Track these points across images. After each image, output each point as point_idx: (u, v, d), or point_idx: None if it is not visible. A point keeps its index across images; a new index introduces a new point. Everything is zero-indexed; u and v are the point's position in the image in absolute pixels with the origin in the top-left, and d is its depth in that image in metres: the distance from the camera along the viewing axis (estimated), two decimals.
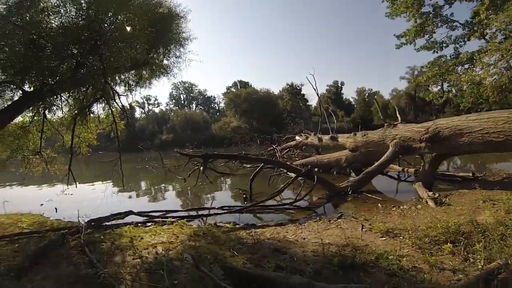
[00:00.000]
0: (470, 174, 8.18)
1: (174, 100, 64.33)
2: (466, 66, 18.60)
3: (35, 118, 7.59)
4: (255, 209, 6.67)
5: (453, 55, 19.96)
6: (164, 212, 6.49)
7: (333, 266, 3.27)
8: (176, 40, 7.62)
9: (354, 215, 5.66)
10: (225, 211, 6.53)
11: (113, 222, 5.54)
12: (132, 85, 8.00)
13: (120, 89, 7.76)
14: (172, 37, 7.49)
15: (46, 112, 7.55)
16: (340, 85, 50.74)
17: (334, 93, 50.20)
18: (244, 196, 8.14)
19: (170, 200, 9.37)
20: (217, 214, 6.40)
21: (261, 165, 9.09)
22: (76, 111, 6.92)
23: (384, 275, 3.05)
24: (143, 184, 13.68)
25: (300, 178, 8.29)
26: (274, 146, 17.02)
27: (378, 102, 18.67)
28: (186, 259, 3.67)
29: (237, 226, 5.62)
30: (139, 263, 3.63)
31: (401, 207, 6.12)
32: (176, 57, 7.87)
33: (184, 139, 31.94)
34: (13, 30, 5.24)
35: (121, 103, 7.19)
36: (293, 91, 48.28)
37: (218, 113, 59.30)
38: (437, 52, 21.36)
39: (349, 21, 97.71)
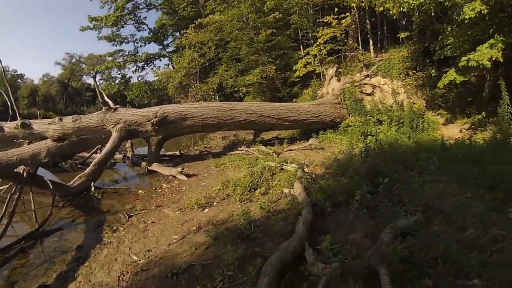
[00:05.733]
0: (177, 153, 10.03)
1: None
2: (140, 64, 22.02)
3: None
4: None
5: (131, 52, 22.34)
6: None
7: None
8: None
9: (132, 213, 5.04)
10: None
11: None
12: None
13: None
14: None
15: None
16: None
17: None
18: None
19: None
20: None
21: None
22: None
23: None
24: None
25: None
26: None
27: (97, 85, 15.15)
28: None
29: None
30: None
31: (163, 187, 6.47)
32: None
33: None
34: None
35: None
36: None
37: None
38: (116, 45, 22.53)
39: None
